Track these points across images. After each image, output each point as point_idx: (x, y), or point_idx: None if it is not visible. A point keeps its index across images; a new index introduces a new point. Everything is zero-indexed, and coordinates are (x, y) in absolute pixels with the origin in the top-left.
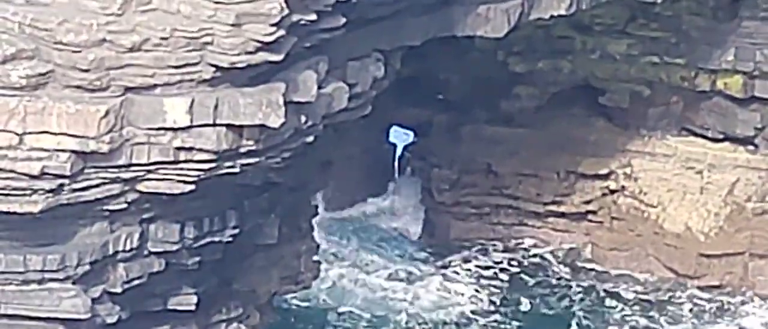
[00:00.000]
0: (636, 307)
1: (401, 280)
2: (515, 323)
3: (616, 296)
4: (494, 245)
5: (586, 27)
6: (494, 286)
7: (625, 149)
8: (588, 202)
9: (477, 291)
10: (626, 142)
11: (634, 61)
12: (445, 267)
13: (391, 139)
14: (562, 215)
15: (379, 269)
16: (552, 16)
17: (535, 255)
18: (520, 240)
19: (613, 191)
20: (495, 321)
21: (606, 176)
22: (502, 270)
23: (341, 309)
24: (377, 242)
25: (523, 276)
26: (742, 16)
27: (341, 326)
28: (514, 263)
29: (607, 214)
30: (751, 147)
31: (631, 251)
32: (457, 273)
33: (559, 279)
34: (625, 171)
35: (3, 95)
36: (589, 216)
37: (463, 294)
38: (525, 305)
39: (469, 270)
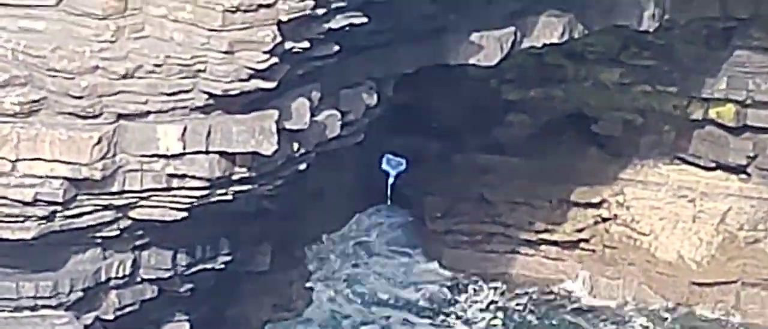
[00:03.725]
0: None
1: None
2: None
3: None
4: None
5: (579, 55)
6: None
7: (617, 178)
8: (580, 230)
9: None
10: (618, 170)
11: (627, 89)
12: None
13: (384, 167)
14: (555, 243)
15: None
16: (544, 45)
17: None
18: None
19: (605, 220)
20: None
21: (598, 205)
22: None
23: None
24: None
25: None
26: (735, 45)
27: None
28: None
29: (600, 242)
30: (743, 176)
31: (626, 279)
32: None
33: None
34: (617, 199)
35: None
36: (582, 244)
37: None
38: None
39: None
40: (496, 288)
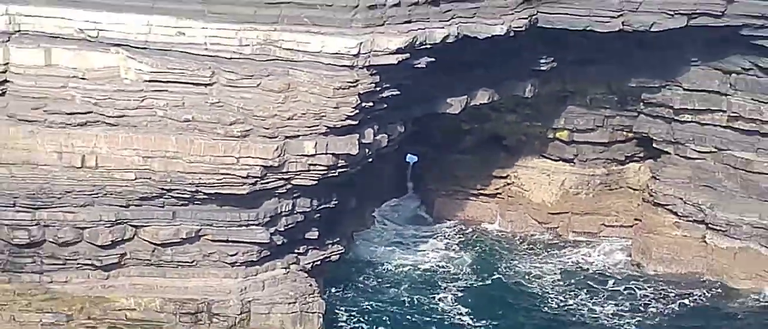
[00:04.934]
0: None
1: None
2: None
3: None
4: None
5: (496, 108)
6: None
7: (514, 165)
8: (498, 189)
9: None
10: (516, 161)
11: (518, 124)
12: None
13: (407, 160)
14: (486, 195)
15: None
16: (481, 104)
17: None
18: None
19: (509, 184)
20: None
21: (506, 177)
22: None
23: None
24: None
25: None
26: (569, 102)
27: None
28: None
29: (506, 195)
30: (571, 164)
31: (518, 212)
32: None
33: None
34: (514, 174)
35: (229, 140)
36: (498, 196)
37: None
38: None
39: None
40: (459, 225)
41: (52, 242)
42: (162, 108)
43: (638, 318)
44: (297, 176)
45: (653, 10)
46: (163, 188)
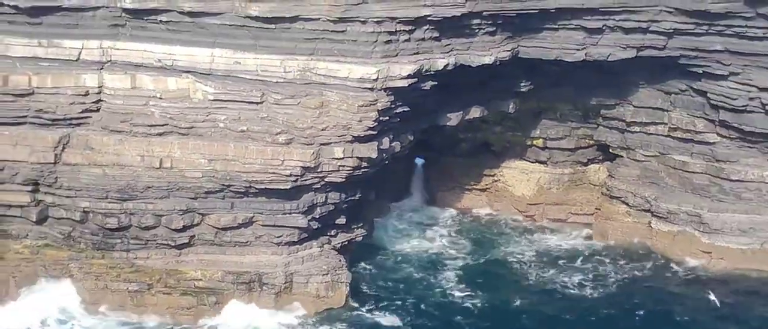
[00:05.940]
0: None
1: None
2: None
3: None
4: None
5: (485, 121)
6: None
7: (500, 166)
8: (488, 185)
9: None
10: (501, 163)
11: (503, 133)
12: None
13: (415, 162)
14: (478, 190)
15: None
16: (474, 117)
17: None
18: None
19: (496, 181)
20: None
21: (493, 175)
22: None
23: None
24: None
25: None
26: (543, 117)
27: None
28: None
29: (494, 189)
30: (546, 165)
31: (503, 203)
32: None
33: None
34: (500, 173)
35: (276, 147)
36: (487, 190)
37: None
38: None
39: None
40: (457, 214)
41: (136, 227)
42: (223, 121)
43: (599, 286)
44: (329, 175)
45: (609, 44)
46: (223, 184)
